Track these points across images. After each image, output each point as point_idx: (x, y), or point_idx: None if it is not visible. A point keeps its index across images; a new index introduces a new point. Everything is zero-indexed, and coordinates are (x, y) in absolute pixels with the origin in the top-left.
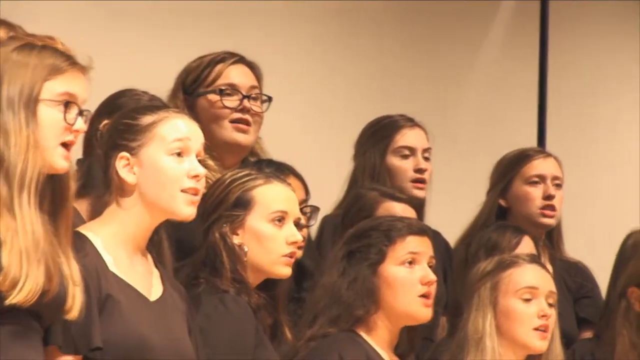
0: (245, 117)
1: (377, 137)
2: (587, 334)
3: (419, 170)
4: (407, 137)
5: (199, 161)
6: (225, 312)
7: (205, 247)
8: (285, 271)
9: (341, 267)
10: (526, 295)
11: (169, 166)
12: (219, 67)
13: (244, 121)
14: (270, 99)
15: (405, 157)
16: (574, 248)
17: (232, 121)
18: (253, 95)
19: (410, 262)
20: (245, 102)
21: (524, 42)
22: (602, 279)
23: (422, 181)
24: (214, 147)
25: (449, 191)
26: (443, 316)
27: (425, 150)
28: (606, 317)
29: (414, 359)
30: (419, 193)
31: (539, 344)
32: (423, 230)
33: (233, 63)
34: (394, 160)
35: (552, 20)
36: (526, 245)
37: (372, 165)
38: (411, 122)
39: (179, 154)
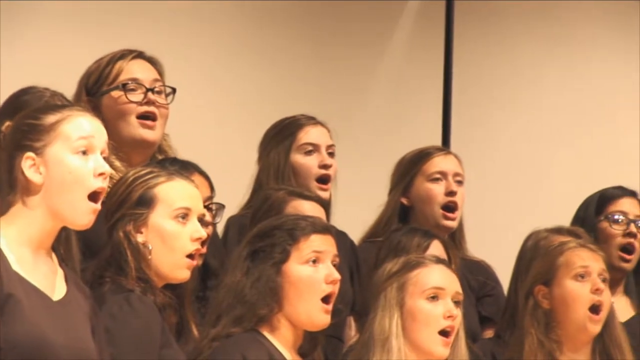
0: (151, 110)
1: (280, 136)
2: (489, 333)
3: (324, 167)
4: (310, 134)
5: (105, 159)
6: (131, 311)
7: (109, 246)
8: (185, 275)
9: (245, 267)
10: (432, 295)
11: (75, 165)
12: (119, 63)
13: (150, 114)
14: (174, 90)
15: (309, 153)
16: (476, 247)
17: (138, 116)
18: (157, 89)
19: (314, 261)
20: (150, 95)
21: (429, 43)
22: (505, 277)
23: (327, 180)
24: (121, 146)
25: (353, 192)
26: (351, 316)
27: (329, 146)
28: (507, 316)
29: (323, 358)
30: (323, 194)
31: (440, 350)
32: (326, 228)
33: (133, 58)
34: (298, 158)
35: (457, 21)
36: (435, 249)
37: (277, 164)
38: (314, 120)
39: (84, 152)
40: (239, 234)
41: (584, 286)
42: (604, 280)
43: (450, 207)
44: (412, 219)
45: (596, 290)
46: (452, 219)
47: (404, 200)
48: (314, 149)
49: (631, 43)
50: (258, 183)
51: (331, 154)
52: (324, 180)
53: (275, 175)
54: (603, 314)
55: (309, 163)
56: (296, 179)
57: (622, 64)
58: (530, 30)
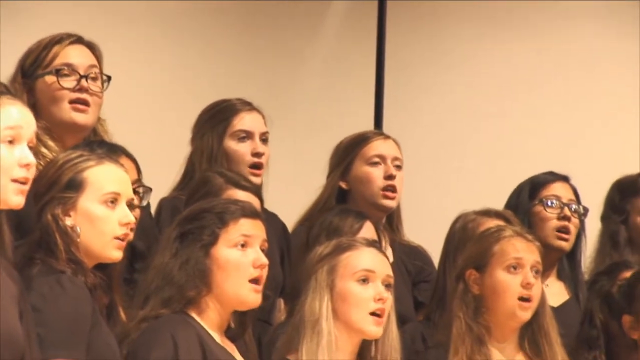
0: (83, 97)
1: (215, 120)
2: (422, 317)
3: (257, 154)
4: (245, 121)
5: (31, 148)
6: (62, 292)
7: (39, 229)
8: (117, 255)
9: (174, 248)
10: (363, 277)
11: (1, 154)
12: (56, 48)
13: (82, 101)
14: (109, 78)
15: (242, 140)
16: (413, 232)
17: (71, 102)
18: (92, 75)
19: (243, 245)
20: (83, 82)
21: (361, 26)
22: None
23: (259, 167)
24: (54, 128)
25: (287, 175)
26: (281, 299)
27: (263, 134)
28: (436, 298)
29: (254, 341)
30: (255, 180)
31: (373, 329)
32: (256, 213)
33: (71, 43)
34: (232, 144)
35: (389, 4)
36: (367, 231)
37: (210, 148)
38: (249, 106)
39: (10, 142)
40: (171, 215)
41: (516, 278)
42: (536, 272)
43: (389, 190)
44: (350, 202)
45: (527, 285)
46: (392, 198)
47: (342, 184)
48: (247, 135)
49: (554, 19)
50: (190, 165)
51: (264, 141)
52: (256, 166)
53: (207, 159)
54: (533, 304)
55: (242, 150)
56: (228, 165)
57: (547, 41)
58: (461, 11)
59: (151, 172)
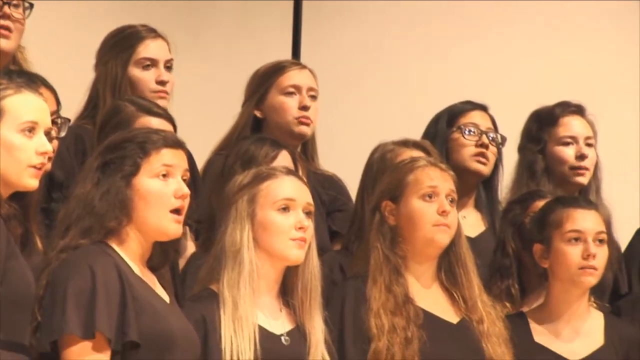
0: (6, 24)
1: (119, 47)
2: (339, 247)
3: (161, 82)
4: (150, 49)
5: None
6: None
7: None
8: (33, 183)
9: (95, 178)
10: (283, 206)
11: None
12: None
13: (4, 27)
14: (31, 5)
15: (147, 68)
16: (331, 162)
17: None
18: (14, 2)
19: (164, 175)
20: (6, 9)
21: None
22: (355, 192)
23: (163, 94)
24: None
25: (202, 104)
26: (187, 227)
27: (168, 61)
28: (354, 229)
29: (169, 270)
30: (162, 102)
31: (296, 254)
32: (178, 143)
33: None
34: (136, 72)
35: None
36: (283, 159)
37: (114, 76)
38: (154, 33)
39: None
40: (74, 144)
41: (431, 206)
42: (452, 201)
43: (303, 120)
44: (265, 131)
45: (443, 212)
46: (307, 124)
47: (257, 113)
48: (152, 63)
49: None
50: (94, 92)
51: (169, 68)
52: (161, 94)
53: (111, 86)
54: (451, 230)
55: (147, 78)
56: (132, 92)
57: None
58: None
59: (69, 103)
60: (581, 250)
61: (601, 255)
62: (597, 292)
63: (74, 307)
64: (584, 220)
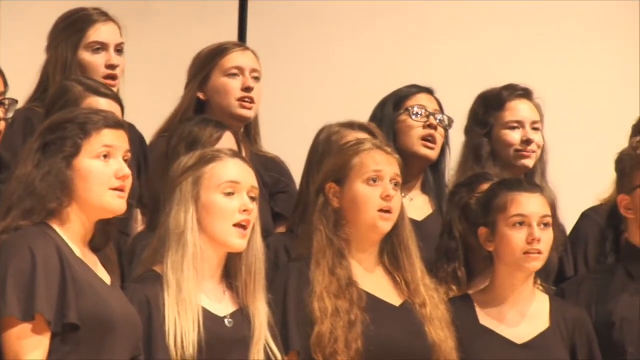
0: None
1: (70, 31)
2: (282, 229)
3: (111, 66)
4: (100, 33)
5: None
6: None
7: None
8: None
9: (36, 159)
10: (228, 189)
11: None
12: None
13: None
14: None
15: (97, 51)
16: (270, 143)
17: None
18: None
19: (106, 156)
20: None
21: None
22: (298, 174)
23: (113, 78)
24: None
25: (147, 85)
26: (138, 209)
27: (118, 45)
28: (299, 211)
29: (115, 251)
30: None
31: (237, 242)
32: (119, 124)
33: None
34: (86, 56)
35: None
36: (227, 141)
37: (65, 59)
38: (105, 17)
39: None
40: (24, 127)
41: (375, 190)
42: (396, 185)
43: (246, 102)
44: (208, 113)
45: (386, 197)
46: (249, 109)
47: (200, 95)
48: (102, 47)
49: None
50: (45, 75)
51: (120, 52)
52: (111, 78)
53: (62, 70)
54: (393, 215)
55: (97, 62)
56: (83, 76)
57: None
58: None
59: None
60: (526, 234)
61: (546, 239)
62: (543, 275)
63: (13, 288)
64: (528, 204)
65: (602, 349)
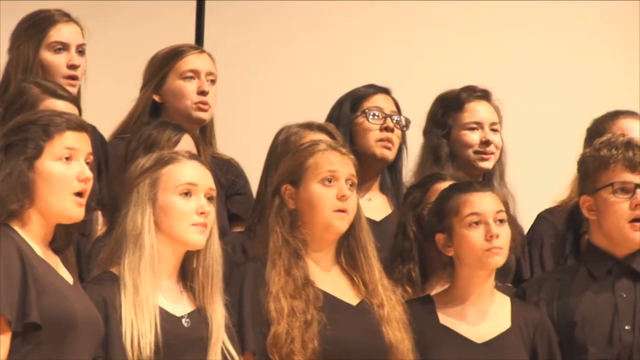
0: None
1: (32, 31)
2: (238, 230)
3: (73, 66)
4: (62, 33)
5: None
6: None
7: None
8: None
9: None
10: (185, 191)
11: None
12: None
13: None
14: None
15: (58, 51)
16: (227, 145)
17: None
18: None
19: (68, 158)
20: None
21: None
22: (254, 175)
23: (74, 78)
24: None
25: (104, 87)
26: (98, 211)
27: (80, 45)
28: (257, 211)
29: (74, 253)
30: (71, 90)
31: (197, 238)
32: (82, 126)
33: None
34: (47, 56)
35: None
36: (186, 143)
37: (26, 59)
38: (67, 17)
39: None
40: None
41: (331, 191)
42: (351, 185)
43: (202, 105)
44: (163, 116)
45: (342, 197)
46: (205, 110)
47: (156, 97)
48: (63, 47)
49: None
50: (6, 75)
51: (81, 53)
52: (72, 78)
53: (23, 70)
54: (349, 215)
55: (58, 61)
56: (44, 76)
57: None
58: None
59: None
60: (483, 232)
61: (504, 234)
62: (500, 276)
63: None
64: (481, 202)
65: (564, 349)
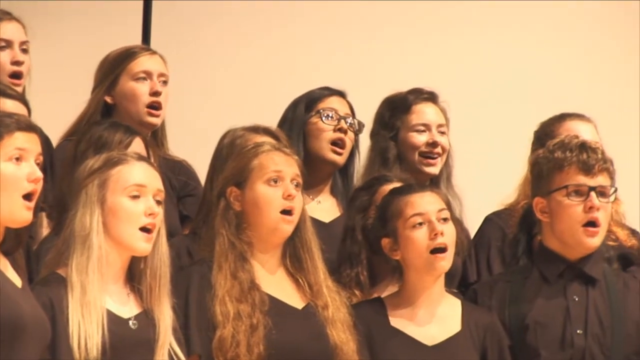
0: None
1: None
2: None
3: (16, 63)
4: (5, 30)
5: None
6: None
7: None
8: None
9: None
10: (134, 192)
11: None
12: None
13: None
14: None
15: (1, 49)
16: (177, 146)
17: None
18: None
19: (18, 159)
20: None
21: None
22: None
23: (18, 75)
24: None
25: (52, 87)
26: (43, 213)
27: (23, 43)
28: (202, 214)
29: (23, 255)
30: (17, 88)
31: (142, 246)
32: (31, 127)
33: None
34: None
35: None
36: (137, 146)
37: None
38: (8, 16)
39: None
40: None
41: (276, 191)
42: (297, 185)
43: (154, 107)
44: (115, 117)
45: (288, 196)
46: (156, 116)
47: (108, 99)
48: (6, 45)
49: None
50: None
51: (24, 50)
52: (16, 76)
53: None
54: (295, 217)
55: (2, 59)
56: None
57: None
58: None
59: None
60: (427, 231)
61: (448, 232)
62: (447, 279)
63: None
64: (422, 202)
65: (516, 353)
